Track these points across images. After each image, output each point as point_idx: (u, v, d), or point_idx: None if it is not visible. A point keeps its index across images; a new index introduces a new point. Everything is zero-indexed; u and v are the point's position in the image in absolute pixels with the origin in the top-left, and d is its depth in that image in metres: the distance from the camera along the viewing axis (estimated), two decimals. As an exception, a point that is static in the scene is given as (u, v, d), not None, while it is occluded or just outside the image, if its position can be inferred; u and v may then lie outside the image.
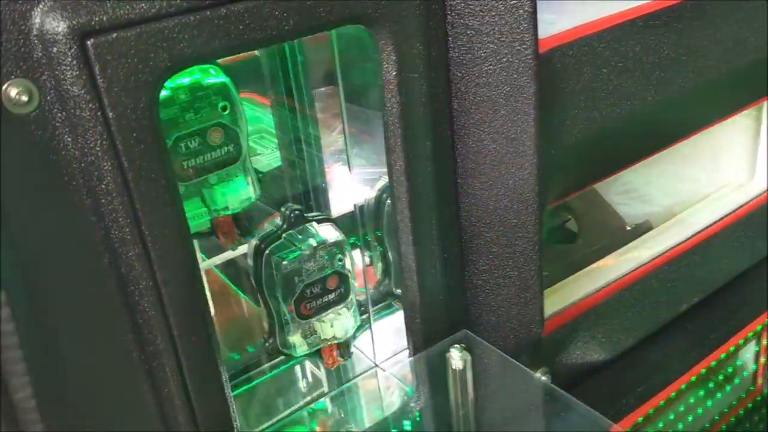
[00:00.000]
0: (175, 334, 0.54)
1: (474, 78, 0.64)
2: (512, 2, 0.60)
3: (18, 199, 0.46)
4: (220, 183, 0.61)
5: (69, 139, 0.47)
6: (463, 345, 0.64)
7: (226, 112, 0.59)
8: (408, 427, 0.73)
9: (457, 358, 0.64)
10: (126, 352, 0.53)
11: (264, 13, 0.49)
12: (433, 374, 0.70)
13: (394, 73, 0.58)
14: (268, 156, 0.83)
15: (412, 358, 0.70)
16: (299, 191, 0.82)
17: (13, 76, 0.44)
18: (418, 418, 0.73)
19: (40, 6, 0.44)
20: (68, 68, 0.44)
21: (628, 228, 1.08)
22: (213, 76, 0.58)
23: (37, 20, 0.44)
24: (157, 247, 0.51)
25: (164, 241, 0.51)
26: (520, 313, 0.75)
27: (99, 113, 0.46)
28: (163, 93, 0.56)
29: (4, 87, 0.44)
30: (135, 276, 0.51)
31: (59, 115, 0.46)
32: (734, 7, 0.79)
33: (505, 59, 0.62)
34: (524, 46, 0.62)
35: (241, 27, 0.49)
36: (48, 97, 0.45)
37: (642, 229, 1.07)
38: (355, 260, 0.79)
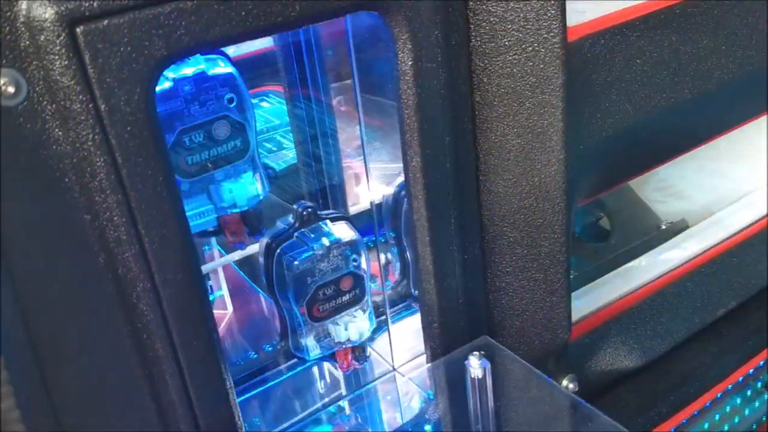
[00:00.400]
0: (175, 339, 0.51)
1: (497, 68, 0.60)
2: (538, -13, 0.56)
3: (6, 197, 0.43)
4: (227, 179, 0.58)
5: (60, 133, 0.44)
6: (482, 352, 0.61)
7: (233, 105, 0.56)
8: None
9: (476, 366, 0.60)
10: (124, 358, 0.51)
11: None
12: (452, 381, 0.67)
13: (410, 63, 0.54)
14: (289, 151, 0.81)
15: (429, 365, 0.67)
16: (315, 188, 0.79)
17: (-1, 66, 0.41)
18: (435, 427, 0.70)
19: (26, -9, 0.41)
20: (57, 57, 0.42)
21: (663, 227, 1.04)
22: (219, 66, 0.55)
23: (24, 6, 0.41)
24: (155, 247, 0.48)
25: (163, 241, 0.48)
26: (546, 318, 0.71)
27: (90, 105, 0.43)
28: (166, 84, 0.53)
29: (-10, 78, 0.41)
30: (132, 278, 0.48)
31: (49, 107, 0.43)
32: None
33: (530, 48, 0.58)
34: (551, 34, 0.58)
35: (243, 13, 0.46)
36: (36, 89, 0.43)
37: (678, 228, 1.04)
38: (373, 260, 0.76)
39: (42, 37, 0.41)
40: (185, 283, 0.50)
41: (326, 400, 0.84)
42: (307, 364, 0.80)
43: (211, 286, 0.94)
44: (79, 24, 0.41)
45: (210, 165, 0.56)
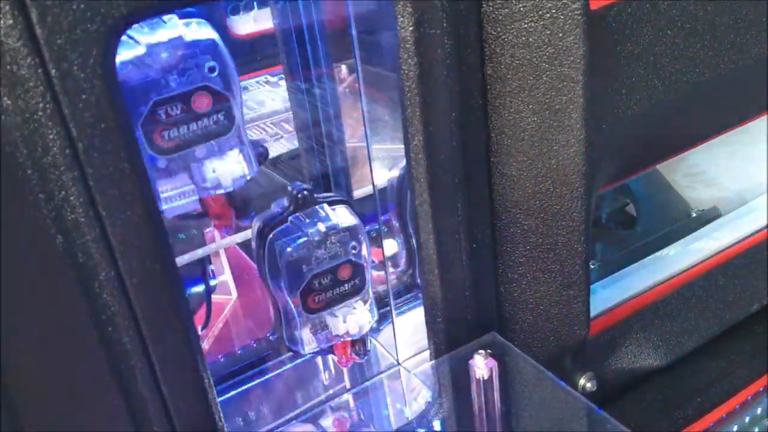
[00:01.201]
0: (144, 333, 0.46)
1: (512, 37, 0.54)
2: (558, -55, 0.50)
3: (-52, 173, 0.39)
4: (209, 157, 0.53)
5: (8, 102, 0.39)
6: (489, 351, 0.55)
7: (215, 74, 0.50)
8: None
9: (481, 366, 0.55)
10: (88, 352, 0.46)
11: (245, -50, 0.41)
12: (457, 380, 0.62)
13: (411, 29, 0.48)
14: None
15: (433, 362, 0.61)
16: (318, 171, 0.74)
17: (-67, 25, 0.36)
18: (440, 428, 0.65)
19: (-38, -64, 0.36)
20: (0, 16, 0.37)
21: (693, 215, 0.98)
22: (200, 31, 0.50)
23: (-41, -46, 0.36)
24: (118, 231, 0.43)
25: (127, 224, 0.43)
26: (562, 313, 0.65)
27: (40, 71, 0.38)
28: (139, 50, 0.48)
29: None
30: (92, 265, 0.43)
31: (-7, 72, 0.38)
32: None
33: (548, 15, 0.52)
34: (572, 0, 0.51)
35: (216, -32, 0.40)
36: (-21, 51, 0.38)
37: (709, 216, 0.98)
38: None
39: (-19, -9, 0.36)
40: (154, 271, 0.45)
41: (330, 392, 0.79)
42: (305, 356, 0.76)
43: (212, 271, 0.90)
44: (24, -24, 0.36)
45: (189, 141, 0.51)
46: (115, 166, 0.42)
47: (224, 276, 0.93)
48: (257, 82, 1.12)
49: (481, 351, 0.56)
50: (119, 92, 0.41)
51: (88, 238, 0.43)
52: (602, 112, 0.58)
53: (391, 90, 0.64)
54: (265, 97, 1.10)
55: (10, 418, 0.45)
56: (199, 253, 0.76)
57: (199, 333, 0.84)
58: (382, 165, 0.70)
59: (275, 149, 0.96)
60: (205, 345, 0.86)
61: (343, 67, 0.73)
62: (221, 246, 0.80)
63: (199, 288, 0.84)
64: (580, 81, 0.54)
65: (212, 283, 0.88)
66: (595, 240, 0.96)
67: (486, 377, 0.55)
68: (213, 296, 0.87)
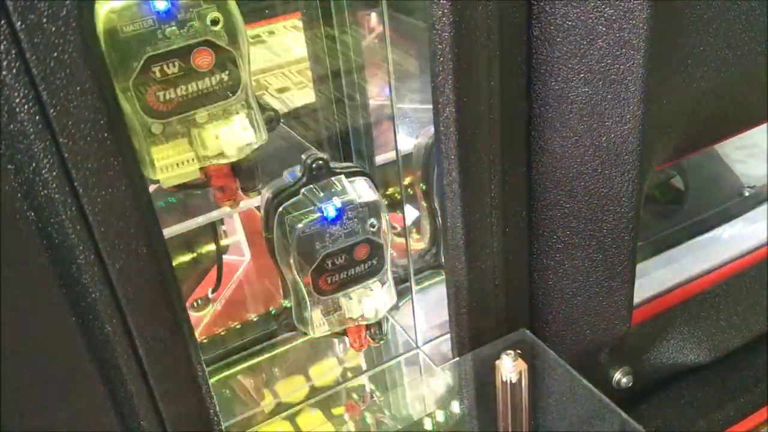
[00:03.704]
0: (129, 321, 0.41)
1: (564, -5, 0.46)
2: None
3: None
4: (211, 122, 0.46)
5: (-35, 57, 0.33)
6: (518, 351, 0.49)
7: (218, 28, 0.44)
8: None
9: (509, 368, 0.49)
10: (67, 343, 0.41)
11: None
12: (482, 378, 0.56)
13: (447, -20, 0.41)
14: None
15: (457, 359, 0.56)
16: (337, 129, 0.68)
17: None
18: (460, 425, 0.60)
19: None
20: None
21: (746, 193, 0.90)
22: (203, -24, 0.43)
23: None
24: (96, 209, 0.38)
25: (106, 200, 0.38)
26: (602, 305, 0.59)
27: (2, 22, 0.32)
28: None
29: None
30: (70, 246, 0.38)
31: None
32: None
33: (609, -32, 0.45)
34: (639, -49, 0.44)
35: None
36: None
37: (762, 195, 0.91)
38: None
39: None
40: (140, 252, 0.40)
41: (345, 365, 0.75)
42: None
43: (224, 231, 0.86)
44: None
45: (189, 103, 0.45)
46: (93, 136, 0.36)
47: (237, 236, 0.89)
48: (284, 26, 1.07)
49: (509, 351, 0.50)
50: (98, 48, 0.35)
51: (63, 217, 0.37)
52: (664, 85, 0.51)
53: (423, 43, 0.58)
54: (292, 42, 1.05)
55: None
56: (214, 215, 0.71)
57: (210, 296, 0.80)
58: (410, 127, 0.64)
59: (299, 99, 0.91)
60: (217, 307, 0.83)
61: (373, 15, 0.68)
62: (234, 210, 0.76)
63: (211, 247, 0.80)
64: (641, 48, 0.47)
65: (224, 243, 0.84)
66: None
67: (514, 380, 0.50)
68: (224, 257, 0.83)
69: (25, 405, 0.42)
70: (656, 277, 0.73)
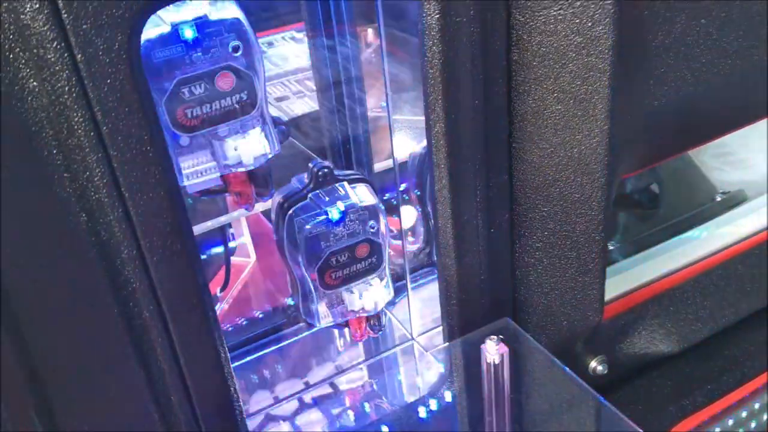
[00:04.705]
0: (164, 308, 0.48)
1: (539, 24, 0.53)
2: (591, -68, 0.49)
3: (-24, 152, 0.40)
4: (231, 135, 0.53)
5: (34, 84, 0.40)
6: (501, 337, 0.56)
7: (239, 53, 0.50)
8: (437, 412, 0.66)
9: (492, 351, 0.56)
10: (109, 326, 0.47)
11: (271, -63, 0.40)
12: (470, 362, 0.62)
13: (437, 16, 0.48)
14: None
15: (447, 344, 0.62)
16: (338, 140, 0.74)
17: (-37, 8, 0.37)
18: (451, 405, 0.66)
19: None
20: (27, 0, 0.37)
21: (718, 198, 0.96)
22: (225, 9, 0.50)
23: (-12, -62, 0.36)
24: (140, 211, 0.44)
25: (148, 203, 0.44)
26: (576, 299, 0.65)
27: (66, 55, 0.39)
28: (163, 28, 0.48)
29: (-48, 20, 0.37)
30: (116, 243, 0.44)
31: (22, 55, 0.39)
32: None
33: (578, 3, 0.52)
34: (603, -11, 0.51)
35: (242, -46, 0.40)
36: (8, 34, 0.38)
37: (734, 200, 0.96)
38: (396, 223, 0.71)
39: (10, -24, 0.37)
40: (174, 249, 0.46)
41: (345, 357, 0.81)
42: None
43: (232, 234, 0.91)
44: (51, -39, 0.37)
45: (212, 119, 0.51)
46: (138, 149, 0.42)
47: (244, 239, 0.94)
48: (282, 37, 1.12)
49: (493, 336, 0.56)
50: (143, 76, 0.41)
51: (111, 218, 0.43)
52: (628, 103, 0.57)
53: (418, 58, 0.64)
54: (290, 53, 1.09)
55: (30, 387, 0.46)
56: (222, 220, 0.77)
57: (218, 295, 0.86)
58: (405, 135, 0.70)
59: (298, 107, 0.96)
60: (224, 306, 0.88)
61: (370, 30, 0.73)
62: (243, 215, 0.82)
63: (219, 249, 0.85)
64: (606, 71, 0.53)
65: (231, 245, 0.90)
66: (617, 219, 0.95)
67: (497, 362, 0.56)
68: (232, 258, 0.89)
69: (74, 380, 0.48)
70: (632, 274, 0.78)
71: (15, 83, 0.39)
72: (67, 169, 0.42)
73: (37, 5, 0.37)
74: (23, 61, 0.39)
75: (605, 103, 0.55)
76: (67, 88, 0.39)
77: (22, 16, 0.38)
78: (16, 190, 0.41)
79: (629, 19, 0.54)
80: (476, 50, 0.51)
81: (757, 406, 0.87)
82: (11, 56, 0.39)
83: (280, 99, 0.91)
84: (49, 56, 0.39)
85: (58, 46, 0.38)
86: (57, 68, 0.39)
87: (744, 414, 0.86)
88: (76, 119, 0.40)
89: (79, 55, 0.39)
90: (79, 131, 0.41)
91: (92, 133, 0.41)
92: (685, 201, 0.97)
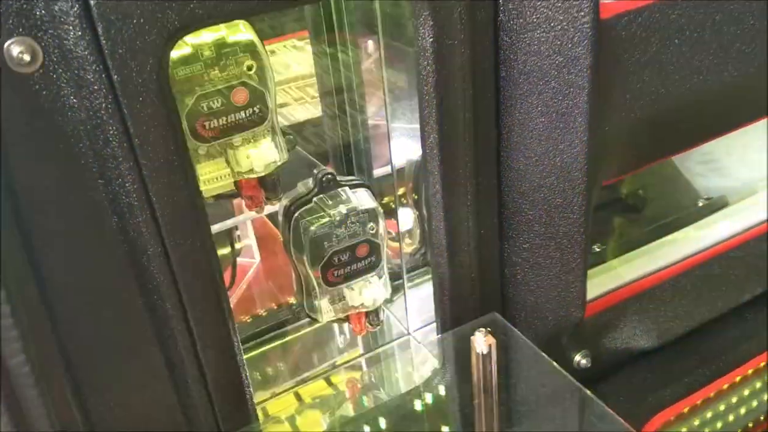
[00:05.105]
0: (185, 300, 0.53)
1: (524, 45, 0.58)
2: (570, -37, 0.54)
3: (23, 161, 0.45)
4: (244, 145, 0.58)
5: (74, 101, 0.45)
6: (489, 329, 0.61)
7: (252, 71, 0.56)
8: (431, 401, 0.71)
9: (481, 342, 0.61)
10: (135, 315, 0.53)
11: (284, -28, 0.46)
12: (460, 353, 0.68)
13: (431, 40, 0.53)
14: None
15: (439, 336, 0.68)
16: (339, 145, 0.79)
17: (15, 35, 0.42)
18: (443, 394, 0.71)
19: (42, -40, 0.41)
20: (71, 28, 0.42)
21: (700, 203, 1.01)
22: (240, 32, 0.55)
23: (39, -25, 0.41)
24: (166, 213, 0.49)
25: (173, 206, 0.49)
26: (560, 296, 0.71)
27: (104, 75, 0.44)
28: (185, 49, 0.53)
29: (6, 45, 0.42)
30: (143, 242, 0.50)
31: (64, 75, 0.44)
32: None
33: (559, 27, 0.57)
34: (582, 13, 0.56)
35: (258, -13, 0.45)
36: (52, 57, 0.43)
37: (716, 205, 1.01)
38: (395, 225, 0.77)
39: (56, 7, 0.42)
40: (195, 247, 0.52)
41: (345, 354, 0.86)
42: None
43: (238, 236, 0.96)
44: (93, -6, 0.42)
45: (228, 130, 0.57)
46: (165, 159, 0.47)
47: (249, 240, 0.99)
48: (284, 46, 1.16)
49: (482, 329, 0.61)
50: (170, 93, 0.47)
51: (139, 219, 0.49)
52: (606, 116, 0.62)
53: (414, 68, 0.68)
54: (292, 61, 1.14)
55: (64, 368, 0.51)
56: (228, 223, 0.82)
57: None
58: (403, 143, 0.73)
59: (299, 114, 1.01)
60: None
61: (370, 42, 0.75)
62: (249, 217, 0.87)
63: (226, 250, 0.90)
64: (585, 88, 0.59)
65: (237, 246, 0.95)
66: (604, 222, 1.01)
67: (485, 352, 0.61)
68: (238, 259, 0.94)
69: (102, 365, 0.53)
70: (615, 273, 0.83)
71: (57, 100, 0.45)
72: (101, 176, 0.47)
73: (80, 33, 0.43)
74: (65, 80, 0.44)
75: (585, 116, 0.60)
76: (103, 105, 0.45)
77: (65, 42, 0.43)
78: (57, 194, 0.47)
79: (607, 39, 0.60)
80: (467, 69, 0.56)
81: (734, 399, 0.92)
82: (54, 76, 0.44)
83: (281, 105, 0.95)
84: (88, 77, 0.44)
85: (97, 68, 0.44)
86: (95, 87, 0.44)
87: (722, 407, 0.91)
88: (111, 132, 0.45)
89: (115, 76, 0.44)
90: (114, 142, 0.46)
91: (125, 144, 0.46)
92: (670, 206, 1.02)
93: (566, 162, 0.62)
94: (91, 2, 0.42)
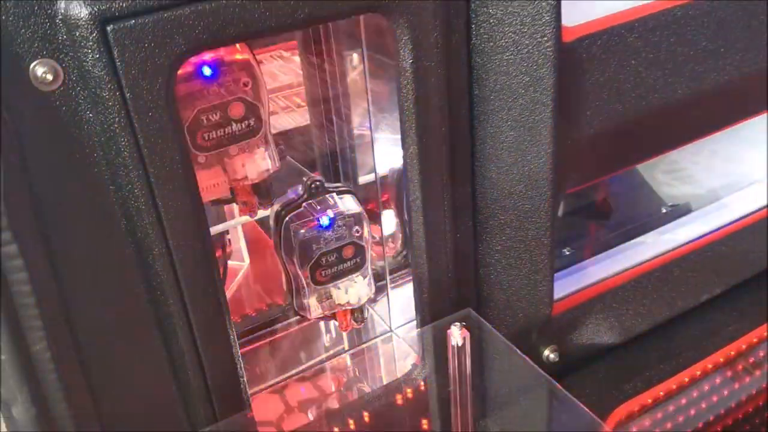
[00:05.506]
0: (185, 296, 0.58)
1: (495, 66, 0.64)
2: (535, -7, 0.60)
3: (44, 169, 0.50)
4: (239, 154, 0.63)
5: (90, 115, 0.50)
6: (463, 323, 0.67)
7: (248, 87, 0.61)
8: (411, 391, 0.77)
9: (456, 335, 0.67)
10: (140, 311, 0.58)
11: (278, 2, 0.51)
12: (438, 345, 0.73)
13: (410, 61, 0.59)
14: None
15: (418, 330, 0.73)
16: (327, 153, 0.84)
17: (39, 57, 0.47)
18: (423, 384, 0.77)
19: (65, -8, 0.47)
20: (89, 51, 0.47)
21: (664, 210, 1.07)
22: (237, 52, 0.61)
23: (62, 6, 0.47)
24: (169, 216, 0.54)
25: (176, 210, 0.54)
26: (530, 294, 0.76)
27: (118, 93, 0.49)
28: (188, 67, 0.59)
29: (31, 66, 0.47)
30: (149, 242, 0.55)
31: (82, 93, 0.49)
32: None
33: (525, 50, 0.63)
34: (545, 38, 0.62)
35: (256, 15, 0.51)
36: (71, 77, 0.49)
37: (679, 211, 1.06)
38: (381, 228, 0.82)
39: (77, 33, 0.47)
40: (195, 247, 0.57)
41: (331, 352, 0.91)
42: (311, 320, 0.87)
43: (229, 240, 1.01)
44: (110, 23, 0.47)
45: (225, 141, 0.62)
46: (170, 167, 0.53)
47: (239, 244, 1.04)
48: (271, 56, 1.21)
49: (457, 323, 0.67)
50: (176, 109, 0.52)
51: (146, 222, 0.54)
52: (569, 130, 0.68)
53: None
54: (278, 71, 1.19)
55: (75, 354, 0.56)
56: (219, 228, 0.87)
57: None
58: (388, 150, 0.77)
59: (286, 122, 1.05)
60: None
61: (355, 56, 0.79)
62: (240, 222, 0.92)
63: (217, 253, 0.95)
64: (549, 105, 0.64)
65: (228, 249, 0.99)
66: (575, 228, 1.07)
67: (460, 344, 0.67)
68: (228, 262, 0.98)
69: (108, 356, 0.58)
70: (582, 274, 0.88)
71: (75, 115, 0.50)
72: (113, 182, 0.53)
73: (97, 56, 0.48)
74: (83, 97, 0.50)
75: (549, 130, 0.66)
76: (116, 119, 0.50)
77: (84, 63, 0.48)
78: (73, 198, 0.52)
79: (570, 60, 0.66)
80: (443, 87, 0.62)
81: (695, 393, 0.98)
82: (73, 94, 0.49)
83: (269, 114, 1.00)
84: (104, 94, 0.49)
85: (111, 87, 0.49)
86: (109, 104, 0.49)
87: (684, 400, 0.97)
88: (123, 143, 0.51)
89: (128, 94, 0.49)
90: (125, 153, 0.51)
91: (135, 155, 0.51)
92: (636, 213, 1.08)
93: (533, 171, 0.68)
94: (108, 29, 0.47)
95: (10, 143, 0.47)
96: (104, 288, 0.55)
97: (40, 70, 0.47)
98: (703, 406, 1.00)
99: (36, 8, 0.46)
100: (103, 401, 0.57)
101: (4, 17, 0.46)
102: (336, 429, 0.74)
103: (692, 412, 0.99)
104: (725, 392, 1.01)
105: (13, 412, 0.50)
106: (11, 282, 0.48)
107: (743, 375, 1.03)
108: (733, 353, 0.97)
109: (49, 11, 0.47)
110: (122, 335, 0.58)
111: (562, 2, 0.62)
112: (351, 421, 0.75)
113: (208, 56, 0.60)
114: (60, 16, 0.47)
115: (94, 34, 0.47)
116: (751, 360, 1.03)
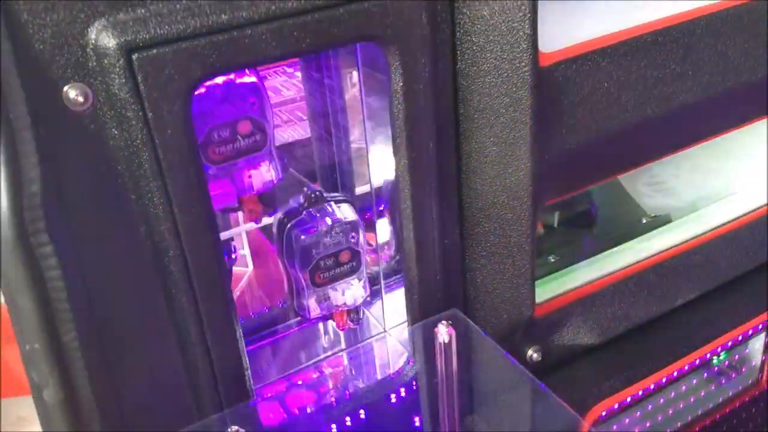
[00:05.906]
0: (197, 296, 0.64)
1: (478, 88, 0.70)
2: (514, 25, 0.66)
3: (73, 180, 0.56)
4: (247, 166, 0.70)
5: (116, 133, 0.56)
6: (450, 322, 0.73)
7: (255, 107, 0.68)
8: (403, 387, 0.83)
9: (443, 332, 0.73)
10: (157, 308, 0.64)
11: (284, 33, 0.58)
12: (427, 343, 0.79)
13: (401, 84, 0.65)
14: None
15: (409, 328, 0.79)
16: (326, 164, 0.90)
17: (72, 81, 0.54)
18: (414, 381, 0.83)
19: (95, 24, 0.53)
20: (116, 77, 0.54)
21: (644, 221, 1.13)
22: (246, 75, 0.67)
23: (93, 36, 0.53)
24: (185, 222, 0.60)
25: (190, 217, 0.60)
26: (513, 297, 0.82)
27: (140, 113, 0.55)
28: (201, 89, 0.65)
29: (65, 89, 0.54)
30: (165, 246, 0.61)
31: (108, 113, 0.56)
32: (745, 25, 0.83)
33: (505, 74, 0.69)
34: (523, 64, 0.68)
35: (263, 45, 0.57)
36: (99, 99, 0.55)
37: (659, 222, 1.11)
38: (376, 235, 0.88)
39: (106, 61, 0.53)
40: (207, 251, 0.63)
41: (329, 352, 0.97)
42: (310, 321, 0.93)
43: (234, 246, 1.07)
44: (135, 52, 0.53)
45: (233, 155, 0.68)
46: (186, 178, 0.59)
47: (243, 251, 1.10)
48: (275, 71, 1.28)
49: (444, 321, 0.73)
50: (192, 126, 0.58)
51: (163, 227, 0.60)
52: (546, 146, 0.74)
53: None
54: (282, 86, 1.26)
55: (99, 354, 0.62)
56: (226, 234, 0.93)
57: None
58: (383, 163, 0.82)
59: (289, 135, 1.11)
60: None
61: (354, 73, 0.85)
62: (245, 229, 0.98)
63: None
64: (527, 123, 0.71)
65: (233, 255, 1.05)
66: (557, 237, 1.12)
67: (447, 341, 0.73)
68: (234, 267, 1.04)
69: (127, 347, 0.64)
70: (564, 280, 0.93)
71: (102, 132, 0.56)
72: (134, 192, 0.59)
73: (123, 80, 0.54)
74: (109, 117, 0.56)
75: (528, 146, 0.71)
76: (139, 137, 0.56)
77: (111, 87, 0.55)
78: (98, 206, 0.58)
79: (547, 83, 0.72)
80: (431, 107, 0.68)
81: (673, 394, 1.04)
82: (101, 113, 0.56)
83: (274, 129, 1.06)
84: (128, 114, 0.55)
85: (135, 108, 0.55)
86: (133, 123, 0.56)
87: (661, 400, 1.03)
88: (144, 157, 0.57)
89: (150, 114, 0.55)
90: (146, 165, 0.57)
91: (155, 167, 0.57)
92: (617, 223, 1.14)
93: (514, 183, 0.74)
94: (133, 57, 0.54)
95: (45, 156, 0.53)
96: (125, 286, 0.61)
97: (72, 92, 0.54)
98: (681, 405, 1.06)
99: (69, 38, 0.53)
100: (121, 387, 0.63)
101: (41, 46, 0.52)
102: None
103: (670, 411, 1.05)
104: (702, 393, 1.08)
105: (44, 395, 0.56)
106: (47, 279, 0.54)
107: (719, 377, 1.09)
108: (708, 355, 1.03)
109: (81, 41, 0.53)
110: (140, 328, 0.64)
111: (544, 28, 0.69)
112: (347, 418, 0.81)
113: (220, 79, 0.66)
114: (91, 46, 0.53)
115: (121, 62, 0.53)
116: (726, 363, 1.09)
